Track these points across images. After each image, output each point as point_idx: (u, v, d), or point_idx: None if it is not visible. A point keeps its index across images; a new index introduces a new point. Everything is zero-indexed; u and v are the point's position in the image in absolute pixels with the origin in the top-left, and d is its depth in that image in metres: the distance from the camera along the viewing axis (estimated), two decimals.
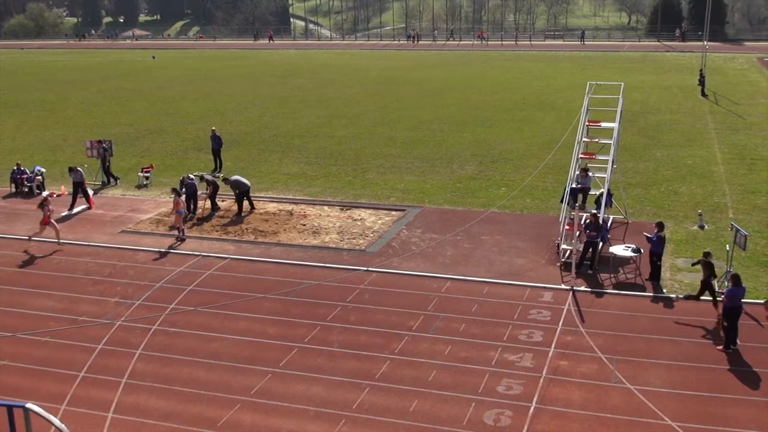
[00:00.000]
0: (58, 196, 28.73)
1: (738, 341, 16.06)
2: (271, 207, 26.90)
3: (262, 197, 28.03)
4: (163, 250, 22.54)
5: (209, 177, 26.62)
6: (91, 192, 27.61)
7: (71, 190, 27.35)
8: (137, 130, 42.64)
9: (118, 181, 30.61)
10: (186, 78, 68.31)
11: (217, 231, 24.41)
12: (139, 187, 30.11)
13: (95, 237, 23.97)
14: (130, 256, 22.32)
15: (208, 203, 26.42)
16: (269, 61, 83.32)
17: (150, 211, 26.61)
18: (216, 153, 32.55)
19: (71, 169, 27.19)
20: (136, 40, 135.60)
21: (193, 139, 39.67)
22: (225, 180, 26.38)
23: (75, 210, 26.68)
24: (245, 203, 25.96)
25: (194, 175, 27.02)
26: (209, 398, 14.67)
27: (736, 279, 16.00)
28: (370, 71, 70.68)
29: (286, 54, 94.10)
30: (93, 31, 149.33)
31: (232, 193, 26.27)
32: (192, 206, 25.96)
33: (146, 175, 30.55)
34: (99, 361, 16.21)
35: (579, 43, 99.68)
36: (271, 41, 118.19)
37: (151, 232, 24.37)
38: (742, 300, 16.11)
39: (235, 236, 23.89)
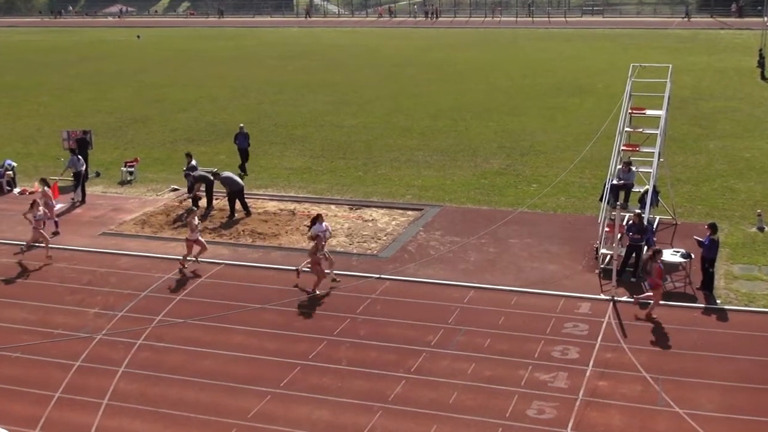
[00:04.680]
0: (30, 193, 28.91)
1: None
2: (271, 206, 26.96)
3: (260, 195, 28.11)
4: (149, 254, 22.63)
5: (198, 173, 26.66)
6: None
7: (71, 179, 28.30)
8: (119, 119, 42.85)
9: (97, 174, 30.85)
10: (175, 60, 68.60)
11: (209, 233, 24.47)
12: (122, 183, 30.27)
13: (72, 240, 24.09)
14: (111, 261, 22.42)
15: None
16: (269, 41, 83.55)
17: (134, 211, 26.74)
18: (244, 152, 31.46)
19: (72, 152, 28.56)
20: (119, 17, 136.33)
21: (183, 129, 39.84)
22: (215, 175, 26.42)
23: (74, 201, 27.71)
24: (239, 206, 25.85)
25: (185, 170, 27.27)
26: (201, 422, 14.72)
27: None
28: (383, 52, 70.74)
29: (288, 33, 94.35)
30: (70, 8, 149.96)
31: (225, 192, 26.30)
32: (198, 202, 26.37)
33: (130, 170, 30.70)
34: (77, 379, 16.29)
35: (684, 19, 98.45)
36: (308, 17, 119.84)
37: (135, 235, 24.49)
38: None
39: (230, 239, 23.96)
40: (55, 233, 24.29)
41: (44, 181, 24.74)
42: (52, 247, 23.01)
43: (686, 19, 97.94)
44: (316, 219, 20.69)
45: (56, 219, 24.71)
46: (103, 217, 26.17)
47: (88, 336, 18.03)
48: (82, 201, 27.67)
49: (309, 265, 20.22)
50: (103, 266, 22.05)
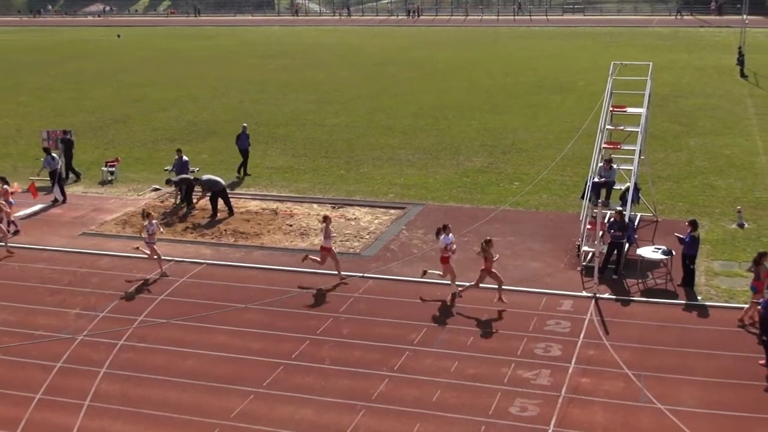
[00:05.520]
0: (12, 193, 28.70)
1: None
2: (253, 205, 26.91)
3: (242, 194, 28.05)
4: (130, 255, 22.49)
5: (178, 178, 26.58)
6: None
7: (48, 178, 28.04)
8: (100, 118, 42.62)
9: (79, 176, 30.67)
10: (155, 59, 68.30)
11: (191, 233, 24.42)
12: (103, 183, 30.11)
13: (53, 240, 23.96)
14: (92, 261, 22.31)
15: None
16: (249, 40, 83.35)
17: (115, 211, 26.61)
18: (245, 153, 30.65)
19: (47, 151, 28.19)
20: (99, 16, 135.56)
21: (164, 128, 39.68)
22: (196, 180, 26.34)
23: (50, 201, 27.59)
24: (221, 206, 25.77)
25: (166, 168, 27.19)
26: (183, 422, 14.67)
27: None
28: (364, 51, 70.71)
29: (269, 31, 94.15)
30: (49, 7, 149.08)
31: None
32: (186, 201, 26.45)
33: (111, 169, 30.54)
34: (58, 380, 16.20)
35: (675, 17, 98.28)
36: (297, 15, 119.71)
37: (116, 235, 24.37)
38: None
39: (213, 239, 23.90)
40: (15, 232, 24.35)
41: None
42: (33, 248, 22.88)
43: (678, 17, 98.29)
44: (443, 230, 19.41)
45: (13, 219, 24.63)
46: (83, 218, 26.03)
47: (69, 337, 17.93)
48: (63, 200, 27.51)
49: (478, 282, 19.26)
50: (84, 266, 21.94)
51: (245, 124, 31.60)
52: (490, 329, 17.82)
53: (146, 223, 20.99)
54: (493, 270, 18.90)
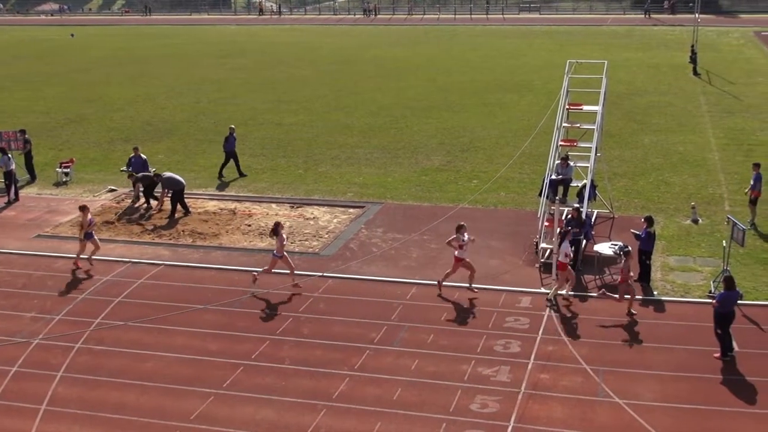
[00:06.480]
0: None
1: (735, 347, 16.39)
2: (211, 205, 26.74)
3: (200, 194, 27.86)
4: (86, 256, 22.23)
5: (140, 175, 26.40)
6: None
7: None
8: (54, 119, 42.02)
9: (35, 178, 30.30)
10: (110, 58, 67.47)
11: (149, 234, 24.19)
12: (58, 184, 29.70)
13: (6, 243, 23.59)
14: (47, 264, 22.01)
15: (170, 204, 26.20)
16: (206, 40, 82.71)
17: (70, 213, 26.24)
18: (232, 155, 30.07)
19: (2, 151, 27.74)
20: (52, 15, 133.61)
21: (120, 128, 39.22)
22: (156, 176, 26.13)
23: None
24: (178, 205, 25.61)
25: (122, 169, 26.91)
26: (142, 425, 14.55)
27: (729, 282, 16.25)
28: (322, 50, 70.55)
29: (226, 31, 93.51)
30: (0, 5, 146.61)
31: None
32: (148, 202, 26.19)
33: (65, 170, 30.14)
34: (13, 385, 15.98)
35: (645, 16, 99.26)
36: (261, 14, 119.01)
37: (72, 237, 24.04)
38: (738, 303, 16.44)
39: (170, 239, 23.70)
40: None
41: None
42: None
43: (647, 16, 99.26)
44: (564, 235, 18.90)
45: None
46: (38, 220, 25.66)
47: (24, 341, 17.67)
48: (16, 199, 27.19)
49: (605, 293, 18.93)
50: (39, 269, 21.64)
51: (233, 126, 31.18)
52: (449, 327, 17.90)
53: (279, 238, 19.79)
54: (628, 280, 18.31)
